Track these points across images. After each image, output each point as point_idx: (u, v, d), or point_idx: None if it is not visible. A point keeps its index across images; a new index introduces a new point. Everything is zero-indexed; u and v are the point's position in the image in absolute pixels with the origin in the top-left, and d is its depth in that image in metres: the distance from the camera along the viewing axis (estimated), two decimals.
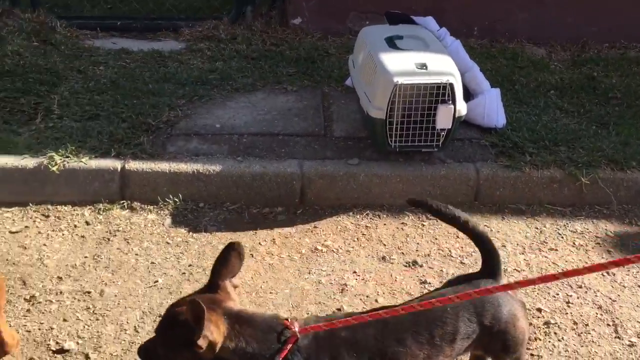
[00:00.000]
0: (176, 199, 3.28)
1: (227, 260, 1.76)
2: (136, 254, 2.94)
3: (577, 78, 4.49)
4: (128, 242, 3.01)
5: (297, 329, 1.70)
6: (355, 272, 2.88)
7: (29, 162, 3.21)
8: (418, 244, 3.10)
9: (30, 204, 3.20)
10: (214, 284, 1.75)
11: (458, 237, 3.14)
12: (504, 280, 1.97)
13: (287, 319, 1.74)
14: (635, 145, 3.58)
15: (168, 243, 3.03)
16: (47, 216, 3.14)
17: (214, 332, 1.60)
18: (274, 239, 3.09)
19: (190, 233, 3.10)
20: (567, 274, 1.51)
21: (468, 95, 3.66)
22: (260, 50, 4.73)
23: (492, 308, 1.87)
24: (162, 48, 4.73)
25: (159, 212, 3.23)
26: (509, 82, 4.36)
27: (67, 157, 3.24)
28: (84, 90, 3.91)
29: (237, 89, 4.12)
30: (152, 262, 2.89)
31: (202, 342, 1.55)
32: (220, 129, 3.65)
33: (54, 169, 3.18)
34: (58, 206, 3.21)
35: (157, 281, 2.78)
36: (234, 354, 1.65)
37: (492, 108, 3.64)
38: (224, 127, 3.67)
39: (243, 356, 1.66)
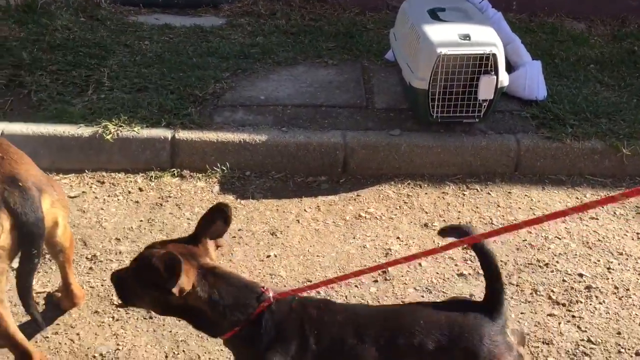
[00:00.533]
0: (224, 168, 3.40)
1: (212, 221, 1.77)
2: (188, 219, 3.07)
3: (618, 52, 4.47)
4: (180, 208, 3.14)
5: (271, 295, 1.74)
6: (398, 237, 2.98)
7: (84, 131, 3.36)
8: (459, 212, 3.17)
9: (86, 171, 3.35)
10: (196, 238, 1.76)
11: (499, 206, 3.21)
12: (507, 322, 1.76)
13: (263, 286, 1.78)
14: None
15: None
16: (103, 182, 3.29)
17: (185, 281, 1.63)
18: (318, 206, 3.19)
19: (238, 200, 3.22)
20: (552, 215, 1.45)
21: (509, 68, 3.68)
22: (299, 26, 4.80)
23: (471, 342, 1.68)
24: (204, 23, 4.83)
25: (208, 179, 3.36)
26: (548, 56, 4.36)
27: (120, 126, 3.38)
28: (131, 63, 4.04)
29: (279, 63, 4.20)
30: None
31: (176, 290, 1.61)
32: (264, 100, 3.75)
33: (109, 137, 3.32)
34: (112, 173, 3.35)
35: None
36: (205, 304, 1.70)
37: (533, 80, 3.67)
38: (268, 98, 3.76)
39: (214, 308, 1.70)
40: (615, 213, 3.14)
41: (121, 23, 4.70)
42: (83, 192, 3.21)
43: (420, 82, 3.27)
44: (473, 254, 2.84)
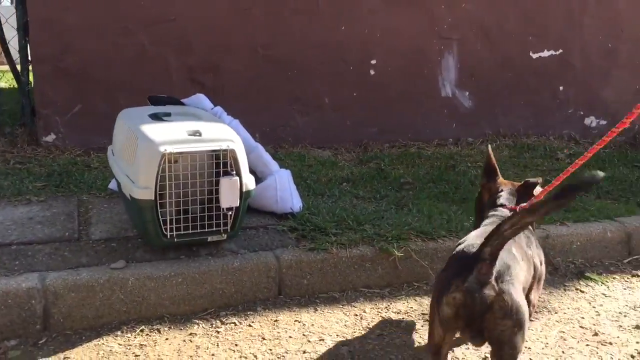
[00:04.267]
0: None
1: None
2: None
3: (367, 171, 4.29)
4: None
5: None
6: None
7: None
8: (213, 355, 2.30)
9: None
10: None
11: (264, 338, 2.42)
12: None
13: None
14: (440, 220, 3.31)
15: None
16: None
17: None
18: None
19: None
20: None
21: (256, 179, 3.14)
22: None
23: None
24: None
25: None
26: (299, 178, 3.97)
27: None
28: None
29: None
30: None
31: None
32: None
33: None
34: None
35: None
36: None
37: (284, 190, 3.16)
38: None
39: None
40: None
41: None
42: None
43: (144, 191, 2.51)
44: None
